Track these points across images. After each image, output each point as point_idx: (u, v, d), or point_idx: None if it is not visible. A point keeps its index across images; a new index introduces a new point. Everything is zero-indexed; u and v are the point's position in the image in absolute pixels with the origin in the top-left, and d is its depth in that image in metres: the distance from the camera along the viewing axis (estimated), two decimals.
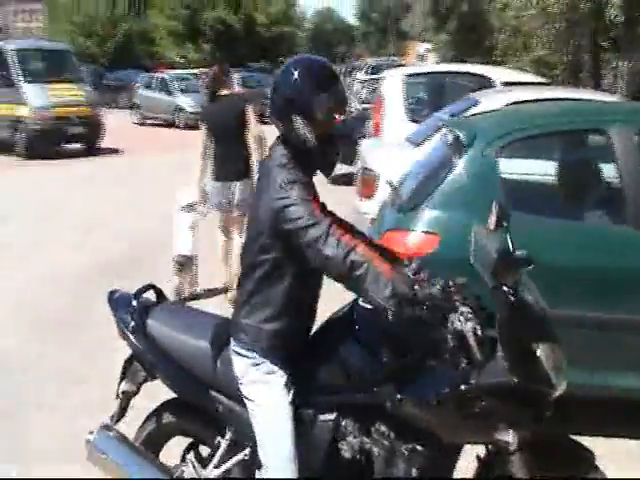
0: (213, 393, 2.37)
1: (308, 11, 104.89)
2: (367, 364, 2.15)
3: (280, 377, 2.24)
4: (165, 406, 2.60)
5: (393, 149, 6.66)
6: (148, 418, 2.64)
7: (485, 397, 2.02)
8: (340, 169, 5.13)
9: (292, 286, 2.19)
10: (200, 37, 41.65)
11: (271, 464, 2.24)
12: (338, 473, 2.23)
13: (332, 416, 2.21)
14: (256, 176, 5.31)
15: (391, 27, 51.84)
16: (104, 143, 15.86)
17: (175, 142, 16.67)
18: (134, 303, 2.53)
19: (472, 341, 1.99)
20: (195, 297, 5.68)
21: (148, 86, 22.89)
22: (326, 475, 2.24)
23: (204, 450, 2.58)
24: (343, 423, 2.20)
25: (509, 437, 2.03)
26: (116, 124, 22.25)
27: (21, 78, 14.62)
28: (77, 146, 15.63)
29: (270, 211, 2.10)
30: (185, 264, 5.72)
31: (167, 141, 18.07)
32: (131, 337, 2.50)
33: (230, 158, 5.62)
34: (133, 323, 2.50)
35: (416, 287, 1.99)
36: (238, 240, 5.65)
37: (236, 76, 23.70)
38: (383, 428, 2.15)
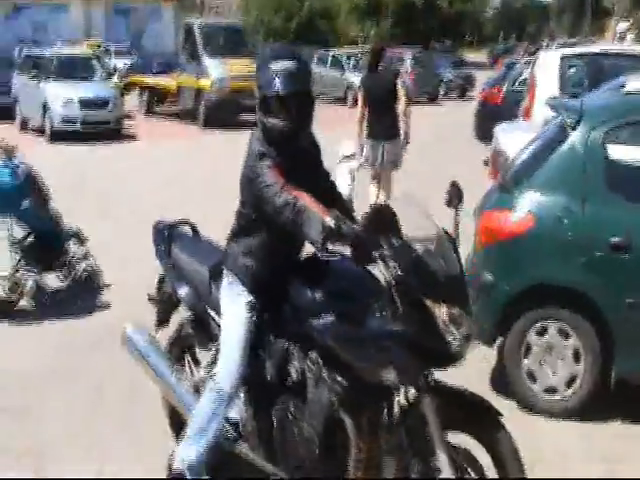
0: (209, 310, 2.97)
1: None
2: (310, 302, 2.56)
3: (244, 298, 2.73)
4: (184, 322, 3.23)
5: (527, 132, 6.65)
6: (174, 331, 3.30)
7: (380, 340, 2.37)
8: None
9: (266, 239, 2.69)
10: (381, 14, 42.02)
11: (220, 367, 2.76)
12: (285, 390, 2.67)
13: (283, 342, 2.67)
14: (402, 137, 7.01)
15: (589, 3, 48.66)
16: None
17: (342, 118, 17.25)
18: (166, 233, 3.25)
19: (395, 291, 2.31)
20: None
21: (322, 63, 23.66)
22: (274, 390, 2.70)
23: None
24: (291, 348, 2.65)
25: (391, 377, 2.37)
26: None
27: (204, 52, 16.00)
28: (252, 117, 16.80)
29: (244, 176, 2.65)
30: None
31: (333, 117, 18.71)
32: (159, 260, 3.24)
33: (381, 121, 6.94)
34: (162, 248, 3.21)
35: (342, 224, 2.30)
36: (386, 189, 6.97)
37: (408, 54, 23.83)
38: (314, 356, 2.55)
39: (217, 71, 15.77)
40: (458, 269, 2.44)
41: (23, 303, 5.29)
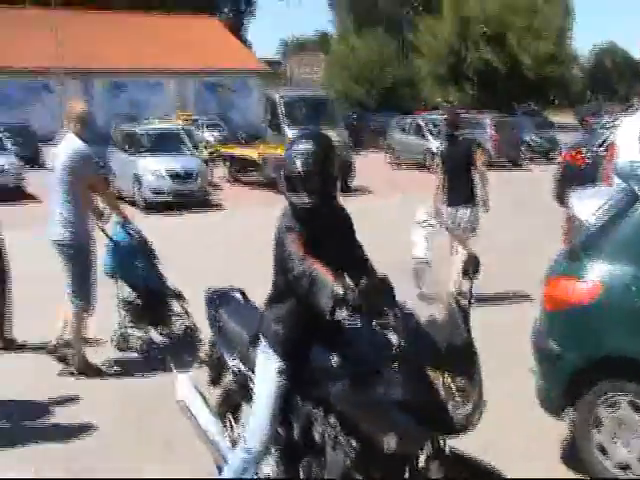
0: (250, 373, 3.12)
1: (585, 46, 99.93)
2: (328, 366, 2.71)
3: (275, 363, 2.89)
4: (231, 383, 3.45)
5: (603, 198, 6.53)
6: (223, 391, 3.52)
7: (382, 407, 2.42)
8: None
9: (294, 306, 2.83)
10: (463, 79, 42.40)
11: (250, 428, 2.97)
12: (311, 450, 2.79)
13: (308, 405, 2.78)
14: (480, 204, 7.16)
15: None
16: (356, 182, 17.23)
17: (421, 182, 17.38)
18: (216, 299, 3.53)
19: (396, 359, 2.40)
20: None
21: (402, 129, 24.06)
22: (301, 450, 2.83)
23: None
24: (314, 412, 2.75)
25: (392, 443, 2.43)
26: (371, 165, 23.82)
27: (285, 122, 16.65)
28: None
29: (274, 248, 2.87)
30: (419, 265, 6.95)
31: (412, 181, 18.86)
32: (210, 324, 3.52)
33: (458, 187, 7.18)
34: (212, 314, 3.47)
35: (350, 292, 2.40)
36: (459, 255, 6.81)
37: (490, 119, 23.80)
38: (332, 420, 2.67)
39: None
40: (463, 340, 2.50)
41: (132, 356, 5.77)
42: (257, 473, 3.04)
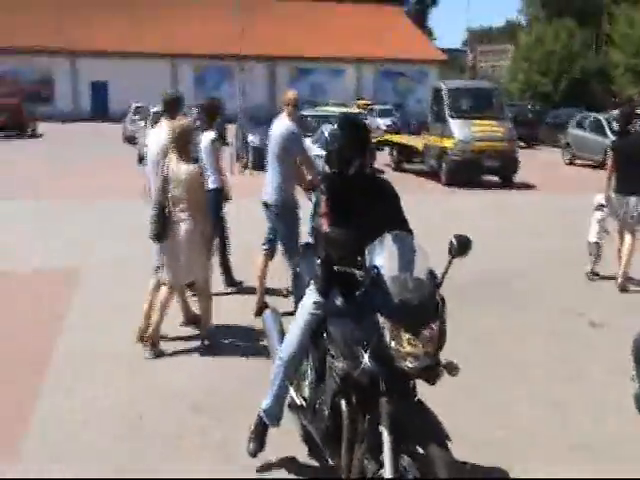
0: None
1: None
2: (334, 307, 3.28)
3: (313, 297, 3.45)
4: None
5: None
6: None
7: (349, 340, 3.03)
8: None
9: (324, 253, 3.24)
10: None
11: (285, 342, 3.62)
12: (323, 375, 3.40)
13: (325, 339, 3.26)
14: None
15: None
16: (521, 178, 16.79)
17: (597, 180, 16.53)
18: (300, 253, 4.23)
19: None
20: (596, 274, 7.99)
21: (580, 125, 22.81)
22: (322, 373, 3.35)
23: None
24: (327, 344, 3.25)
25: (357, 372, 2.90)
26: (545, 162, 22.90)
27: (449, 113, 16.57)
28: (494, 178, 16.92)
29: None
30: (592, 247, 8.00)
31: (582, 181, 17.96)
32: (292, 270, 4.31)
33: (628, 177, 7.51)
34: (296, 263, 4.22)
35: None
36: (629, 241, 7.56)
37: None
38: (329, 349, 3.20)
39: (461, 132, 16.20)
40: (419, 300, 2.77)
41: None
42: (286, 380, 3.66)
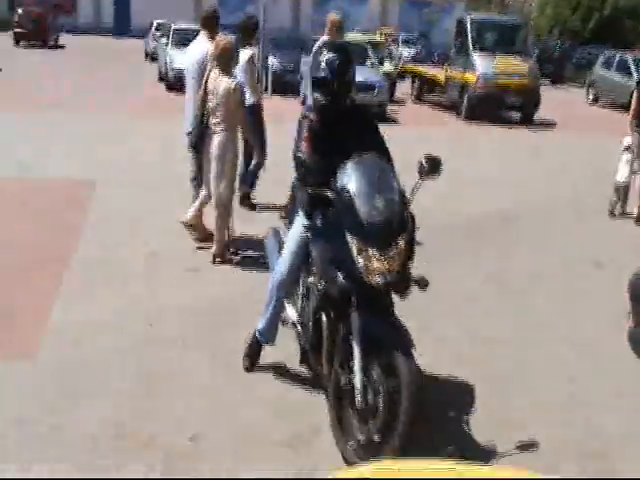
0: None
1: None
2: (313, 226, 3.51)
3: (302, 220, 3.57)
4: None
5: None
6: None
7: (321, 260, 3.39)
8: None
9: (305, 180, 3.49)
10: None
11: (278, 263, 3.81)
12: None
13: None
14: None
15: None
16: (542, 115, 16.69)
17: (610, 123, 16.44)
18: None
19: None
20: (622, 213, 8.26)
21: (606, 65, 22.35)
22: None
23: None
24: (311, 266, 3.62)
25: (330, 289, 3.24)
26: (567, 101, 22.59)
27: (473, 47, 16.37)
28: (515, 114, 16.85)
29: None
30: (619, 188, 8.23)
31: (602, 121, 17.81)
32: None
33: None
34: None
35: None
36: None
37: None
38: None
39: (483, 66, 16.04)
40: (384, 219, 3.03)
41: None
42: (278, 301, 3.86)
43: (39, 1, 32.60)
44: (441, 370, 4.16)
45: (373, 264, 3.03)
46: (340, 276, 3.12)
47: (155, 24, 27.22)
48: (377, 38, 28.03)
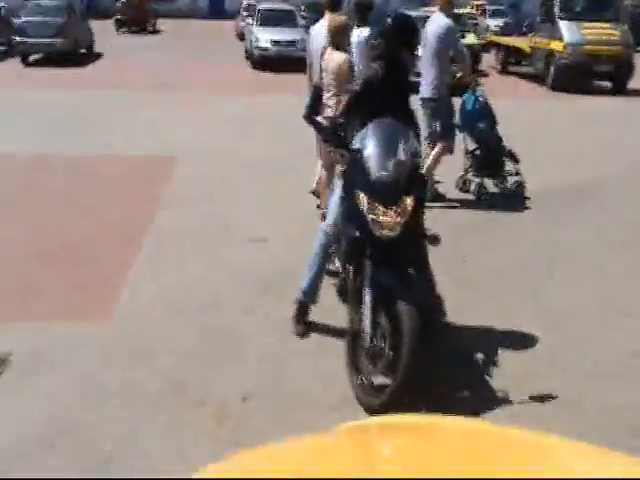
0: None
1: None
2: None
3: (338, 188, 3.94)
4: None
5: None
6: None
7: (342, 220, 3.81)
8: None
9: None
10: None
11: (327, 218, 4.12)
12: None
13: None
14: None
15: None
16: (634, 85, 15.90)
17: None
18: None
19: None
20: None
21: None
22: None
23: None
24: None
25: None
26: None
27: (559, 15, 15.76)
28: (604, 84, 16.14)
29: None
30: None
31: None
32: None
33: None
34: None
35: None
36: None
37: None
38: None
39: (571, 34, 15.41)
40: (392, 178, 3.24)
41: (469, 197, 7.28)
42: (321, 259, 4.14)
43: None
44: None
45: (379, 218, 3.29)
46: (355, 229, 3.42)
47: (245, 4, 27.85)
48: (465, 11, 27.37)
